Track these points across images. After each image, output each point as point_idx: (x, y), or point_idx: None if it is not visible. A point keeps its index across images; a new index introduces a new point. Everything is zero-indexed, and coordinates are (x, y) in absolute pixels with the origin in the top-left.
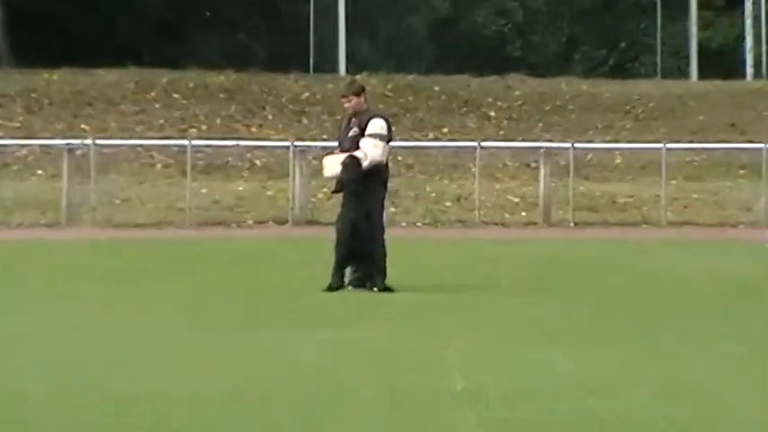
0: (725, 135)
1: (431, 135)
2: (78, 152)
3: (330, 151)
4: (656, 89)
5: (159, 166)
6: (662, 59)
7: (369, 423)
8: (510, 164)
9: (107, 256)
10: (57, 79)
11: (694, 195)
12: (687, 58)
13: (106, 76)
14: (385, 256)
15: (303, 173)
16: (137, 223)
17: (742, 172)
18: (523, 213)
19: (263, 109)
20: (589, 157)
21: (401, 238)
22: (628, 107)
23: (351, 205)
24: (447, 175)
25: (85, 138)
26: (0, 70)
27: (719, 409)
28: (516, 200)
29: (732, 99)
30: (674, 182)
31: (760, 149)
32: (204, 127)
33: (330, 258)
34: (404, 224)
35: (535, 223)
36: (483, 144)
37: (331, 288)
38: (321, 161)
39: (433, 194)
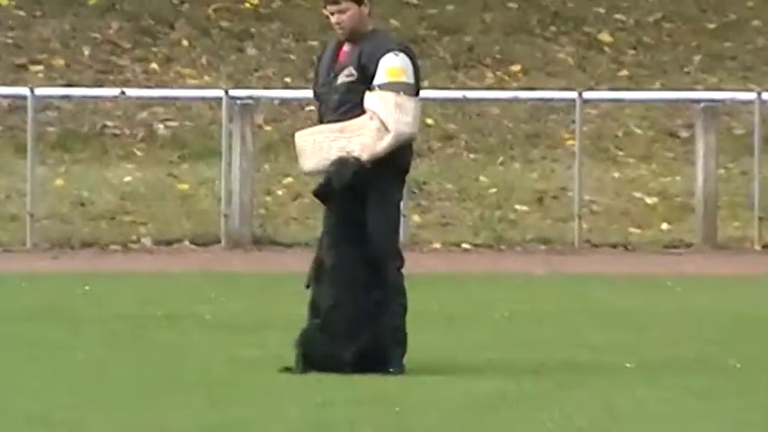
0: None
1: (487, 78)
2: None
3: (310, 121)
4: None
5: None
6: None
7: None
8: (639, 132)
9: None
10: None
11: None
12: None
13: None
14: (405, 312)
15: (247, 149)
16: None
17: None
18: (665, 226)
19: (171, 27)
20: None
21: (433, 273)
22: None
23: (345, 232)
24: (519, 152)
25: None
26: None
27: None
28: (651, 200)
29: None
30: None
31: None
32: (59, 62)
33: (300, 320)
34: (437, 245)
35: (688, 245)
36: (586, 95)
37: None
38: (291, 138)
39: (493, 191)
